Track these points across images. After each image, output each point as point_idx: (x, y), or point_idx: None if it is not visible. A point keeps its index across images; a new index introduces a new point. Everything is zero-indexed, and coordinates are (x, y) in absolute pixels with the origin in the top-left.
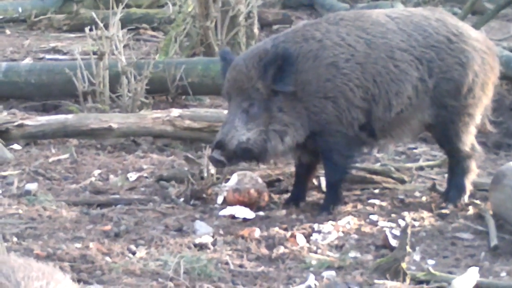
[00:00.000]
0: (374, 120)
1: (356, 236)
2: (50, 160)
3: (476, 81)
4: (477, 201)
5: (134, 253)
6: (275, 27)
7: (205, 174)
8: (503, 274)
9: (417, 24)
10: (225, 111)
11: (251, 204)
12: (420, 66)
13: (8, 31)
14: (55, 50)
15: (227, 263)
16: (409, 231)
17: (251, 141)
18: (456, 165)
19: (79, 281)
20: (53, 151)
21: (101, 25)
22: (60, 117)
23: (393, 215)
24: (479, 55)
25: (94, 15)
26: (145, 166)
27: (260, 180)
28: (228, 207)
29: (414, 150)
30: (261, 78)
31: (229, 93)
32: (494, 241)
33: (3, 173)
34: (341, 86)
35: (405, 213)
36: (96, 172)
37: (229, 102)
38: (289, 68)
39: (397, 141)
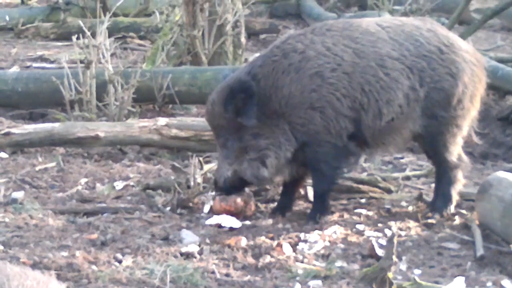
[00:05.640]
0: (364, 128)
1: (342, 246)
2: (37, 168)
3: (466, 93)
4: (464, 211)
5: (120, 262)
6: (262, 36)
7: (192, 183)
8: (489, 284)
9: (409, 33)
10: None
11: (238, 213)
12: (411, 75)
13: None
14: (42, 59)
15: (213, 272)
16: (395, 240)
17: (236, 173)
18: (442, 175)
19: None
20: (40, 159)
21: (88, 33)
22: (47, 125)
23: (379, 224)
24: (469, 67)
25: (81, 24)
26: (131, 175)
27: (246, 189)
28: (215, 216)
29: (401, 160)
30: (225, 113)
31: (212, 129)
32: (480, 251)
33: None
34: (327, 96)
35: (392, 223)
36: (83, 180)
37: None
38: (250, 100)
39: (389, 149)
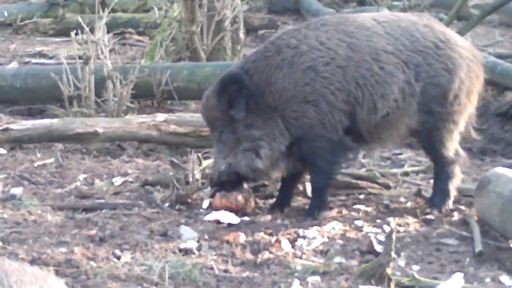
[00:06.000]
0: (360, 122)
1: (341, 242)
2: (36, 164)
3: (462, 88)
4: (462, 207)
5: (119, 258)
6: (260, 32)
7: (191, 179)
8: (488, 280)
9: (405, 28)
10: None
11: (238, 210)
12: (407, 70)
13: None
14: (41, 54)
15: (212, 268)
16: (394, 236)
17: (231, 167)
18: (440, 170)
19: None
20: (39, 155)
21: (87, 29)
22: (46, 121)
23: (378, 220)
24: (465, 63)
25: (80, 20)
26: (130, 171)
27: (246, 186)
28: (213, 212)
29: (399, 156)
30: (219, 105)
31: (207, 123)
32: (478, 247)
33: None
34: (321, 89)
35: (390, 219)
36: (81, 176)
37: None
38: (241, 93)
39: (385, 144)
